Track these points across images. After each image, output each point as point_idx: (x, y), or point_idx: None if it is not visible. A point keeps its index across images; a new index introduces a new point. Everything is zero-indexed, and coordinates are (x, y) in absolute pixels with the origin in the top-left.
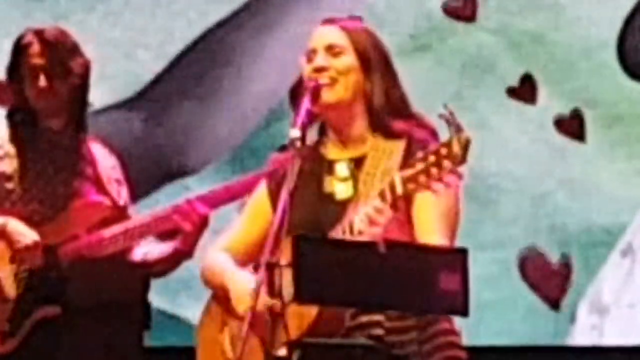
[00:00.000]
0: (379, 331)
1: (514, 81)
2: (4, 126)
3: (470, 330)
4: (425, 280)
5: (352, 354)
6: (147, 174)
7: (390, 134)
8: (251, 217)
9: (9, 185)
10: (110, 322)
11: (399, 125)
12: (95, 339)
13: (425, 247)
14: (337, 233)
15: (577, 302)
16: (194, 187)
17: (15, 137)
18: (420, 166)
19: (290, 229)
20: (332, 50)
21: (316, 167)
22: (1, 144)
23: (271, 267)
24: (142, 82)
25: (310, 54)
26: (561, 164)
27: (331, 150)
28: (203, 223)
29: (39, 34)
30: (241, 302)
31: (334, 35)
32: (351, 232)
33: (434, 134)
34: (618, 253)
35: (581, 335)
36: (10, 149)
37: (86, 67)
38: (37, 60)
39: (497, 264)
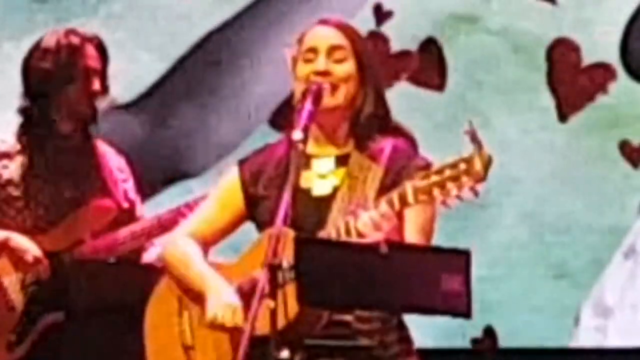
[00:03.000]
0: (346, 331)
1: (515, 81)
2: (10, 132)
3: (473, 332)
4: (427, 281)
5: (355, 355)
6: (150, 176)
7: (369, 152)
8: (221, 203)
9: (15, 192)
10: (115, 325)
11: (378, 145)
12: (99, 342)
13: (427, 249)
14: (325, 235)
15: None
16: (197, 190)
17: (22, 142)
18: (434, 178)
19: (265, 220)
20: (334, 54)
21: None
22: (7, 151)
23: (273, 269)
24: (144, 84)
25: (308, 54)
26: (564, 165)
27: (310, 145)
28: None
29: (89, 39)
30: (212, 313)
31: (337, 38)
32: (347, 235)
33: (414, 144)
34: (621, 255)
35: (585, 337)
36: (17, 156)
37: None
38: (93, 64)
39: (500, 266)
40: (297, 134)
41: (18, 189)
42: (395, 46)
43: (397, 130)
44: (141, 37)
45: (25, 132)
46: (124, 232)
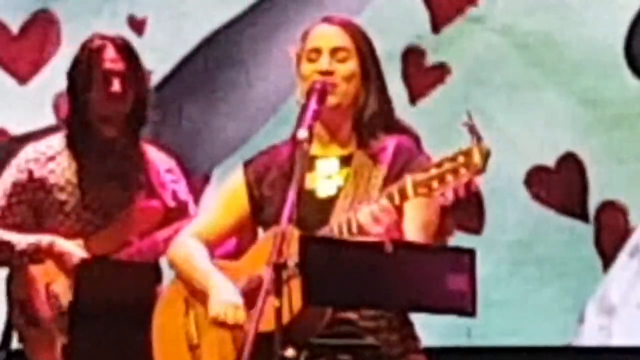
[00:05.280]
0: (351, 329)
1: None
2: (58, 137)
3: (478, 331)
4: (432, 280)
5: (360, 353)
6: None
7: (372, 151)
8: (226, 204)
9: (62, 197)
10: (121, 323)
11: (381, 144)
12: (105, 340)
13: (432, 248)
14: (327, 231)
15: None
16: (202, 188)
17: (69, 147)
18: (434, 172)
19: (269, 221)
20: (337, 54)
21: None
22: (54, 155)
23: (278, 268)
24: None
25: (312, 53)
26: (569, 165)
27: (313, 146)
28: None
29: (112, 40)
30: (215, 311)
31: (340, 38)
32: (349, 231)
33: (417, 142)
34: (626, 254)
35: (589, 336)
36: (63, 161)
37: (148, 79)
38: (113, 65)
39: (505, 264)
40: (302, 133)
41: (65, 193)
42: (395, 46)
43: (401, 129)
44: (145, 35)
45: (70, 135)
46: (166, 232)
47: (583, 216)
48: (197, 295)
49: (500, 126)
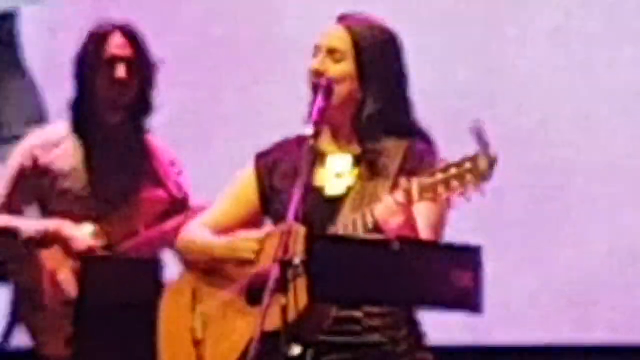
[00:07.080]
0: (356, 327)
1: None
2: (63, 123)
3: (485, 329)
4: (439, 277)
5: (365, 351)
6: None
7: (384, 154)
8: (236, 195)
9: (67, 183)
10: (125, 321)
11: (394, 147)
12: (109, 339)
13: (439, 245)
14: (337, 229)
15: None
16: None
17: (74, 133)
18: (439, 176)
19: (278, 214)
20: (334, 54)
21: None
22: (58, 141)
23: (284, 265)
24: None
25: (316, 50)
26: (575, 163)
27: (323, 142)
28: None
29: (119, 26)
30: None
31: (338, 38)
32: (364, 227)
33: (432, 146)
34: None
35: (594, 334)
36: (69, 147)
37: (156, 68)
38: (119, 51)
39: (509, 263)
40: (307, 129)
41: (69, 180)
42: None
43: (415, 132)
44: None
45: (76, 122)
46: (171, 222)
47: None
48: (218, 271)
49: (506, 120)
